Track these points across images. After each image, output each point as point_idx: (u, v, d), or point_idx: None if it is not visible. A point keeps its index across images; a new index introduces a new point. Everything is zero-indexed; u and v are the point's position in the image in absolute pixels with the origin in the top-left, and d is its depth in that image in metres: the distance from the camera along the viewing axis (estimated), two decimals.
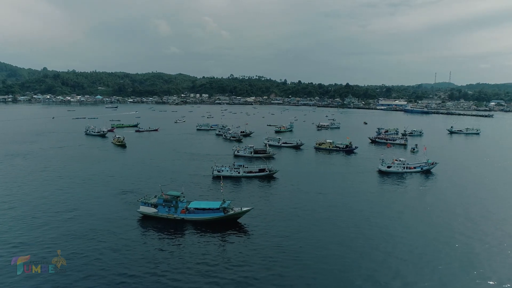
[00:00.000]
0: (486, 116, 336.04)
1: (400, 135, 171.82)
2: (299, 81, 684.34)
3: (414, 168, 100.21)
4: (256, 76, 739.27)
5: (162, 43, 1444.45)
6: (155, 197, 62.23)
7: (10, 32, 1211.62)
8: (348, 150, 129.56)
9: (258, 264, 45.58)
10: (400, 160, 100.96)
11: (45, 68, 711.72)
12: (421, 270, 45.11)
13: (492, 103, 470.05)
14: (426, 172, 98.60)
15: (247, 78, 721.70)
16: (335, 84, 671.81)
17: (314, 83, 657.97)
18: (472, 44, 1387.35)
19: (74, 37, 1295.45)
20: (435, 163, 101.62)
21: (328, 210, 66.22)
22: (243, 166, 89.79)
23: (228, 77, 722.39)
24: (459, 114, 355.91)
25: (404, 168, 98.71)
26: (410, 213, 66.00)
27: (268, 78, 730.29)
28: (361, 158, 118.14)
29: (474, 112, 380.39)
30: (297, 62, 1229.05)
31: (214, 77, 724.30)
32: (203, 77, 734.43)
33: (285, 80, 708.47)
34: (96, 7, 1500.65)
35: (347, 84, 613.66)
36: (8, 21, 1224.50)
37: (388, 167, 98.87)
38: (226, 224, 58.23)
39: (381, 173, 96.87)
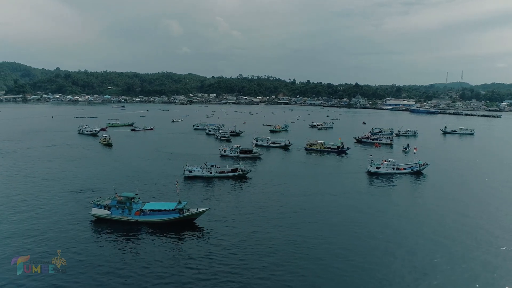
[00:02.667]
0: (493, 116, 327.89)
1: (393, 135, 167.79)
2: (308, 81, 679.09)
3: (404, 169, 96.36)
4: (265, 76, 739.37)
5: (174, 43, 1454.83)
6: (109, 198, 59.81)
7: (25, 32, 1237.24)
8: (340, 151, 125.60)
9: (214, 266, 44.00)
10: (389, 161, 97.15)
11: (57, 68, 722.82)
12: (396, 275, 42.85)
13: (503, 103, 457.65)
14: (417, 173, 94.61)
15: (256, 78, 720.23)
16: (345, 84, 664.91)
17: (323, 83, 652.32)
18: (487, 43, 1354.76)
19: (87, 37, 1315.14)
20: (426, 164, 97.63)
21: (296, 212, 63.36)
22: (215, 166, 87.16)
23: (237, 77, 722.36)
24: (466, 114, 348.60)
25: (393, 169, 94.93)
26: (396, 215, 63.28)
27: (277, 78, 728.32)
28: (352, 159, 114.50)
29: (482, 112, 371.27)
30: (308, 62, 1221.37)
31: (223, 77, 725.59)
32: (212, 77, 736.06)
33: (294, 80, 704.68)
34: (110, 7, 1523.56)
35: (356, 83, 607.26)
36: (24, 21, 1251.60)
37: (377, 168, 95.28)
38: (182, 225, 56.06)
39: (370, 174, 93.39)
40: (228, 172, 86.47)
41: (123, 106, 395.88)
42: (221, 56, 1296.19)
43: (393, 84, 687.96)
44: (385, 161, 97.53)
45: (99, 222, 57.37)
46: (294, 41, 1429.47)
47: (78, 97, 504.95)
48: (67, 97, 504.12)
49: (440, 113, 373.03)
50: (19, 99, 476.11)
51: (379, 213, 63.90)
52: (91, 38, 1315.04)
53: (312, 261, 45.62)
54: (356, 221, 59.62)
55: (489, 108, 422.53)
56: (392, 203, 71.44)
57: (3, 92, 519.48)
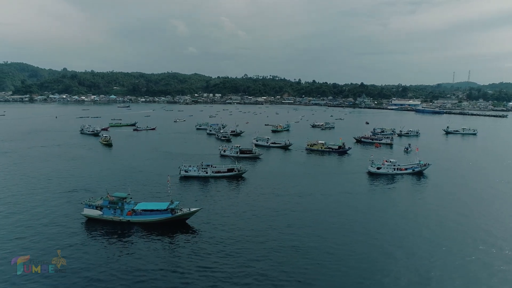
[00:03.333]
0: (500, 116, 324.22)
1: (393, 135, 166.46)
2: (313, 81, 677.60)
3: (405, 169, 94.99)
4: (270, 76, 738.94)
5: (180, 43, 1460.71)
6: (101, 198, 59.39)
7: (33, 33, 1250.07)
8: (341, 151, 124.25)
9: (205, 267, 43.51)
10: (390, 161, 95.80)
11: (65, 69, 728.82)
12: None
13: (511, 103, 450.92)
14: (418, 174, 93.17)
15: (261, 78, 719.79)
16: (351, 83, 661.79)
17: (328, 83, 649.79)
18: (496, 43, 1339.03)
19: (95, 38, 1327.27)
20: (428, 164, 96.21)
21: (293, 212, 62.49)
22: (211, 165, 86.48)
23: (242, 77, 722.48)
24: (472, 114, 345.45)
25: (394, 170, 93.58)
26: (395, 216, 62.45)
27: (282, 78, 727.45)
28: (353, 159, 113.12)
29: (489, 112, 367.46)
30: (314, 62, 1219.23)
31: (228, 77, 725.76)
32: (218, 77, 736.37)
33: (299, 80, 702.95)
34: (117, 9, 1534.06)
35: (362, 83, 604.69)
36: (32, 22, 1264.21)
37: (378, 168, 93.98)
38: (174, 225, 55.59)
39: (371, 174, 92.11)
40: (224, 172, 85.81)
41: (129, 106, 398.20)
42: (227, 56, 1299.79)
43: (399, 84, 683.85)
44: (386, 161, 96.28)
45: (91, 223, 56.87)
46: (300, 41, 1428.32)
47: (84, 97, 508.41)
48: (73, 97, 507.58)
49: (446, 113, 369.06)
50: (26, 99, 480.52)
51: (379, 214, 62.94)
52: (98, 38, 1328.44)
53: (307, 261, 44.96)
54: (355, 222, 58.71)
55: (496, 108, 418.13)
56: (392, 203, 70.40)
57: (10, 92, 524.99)
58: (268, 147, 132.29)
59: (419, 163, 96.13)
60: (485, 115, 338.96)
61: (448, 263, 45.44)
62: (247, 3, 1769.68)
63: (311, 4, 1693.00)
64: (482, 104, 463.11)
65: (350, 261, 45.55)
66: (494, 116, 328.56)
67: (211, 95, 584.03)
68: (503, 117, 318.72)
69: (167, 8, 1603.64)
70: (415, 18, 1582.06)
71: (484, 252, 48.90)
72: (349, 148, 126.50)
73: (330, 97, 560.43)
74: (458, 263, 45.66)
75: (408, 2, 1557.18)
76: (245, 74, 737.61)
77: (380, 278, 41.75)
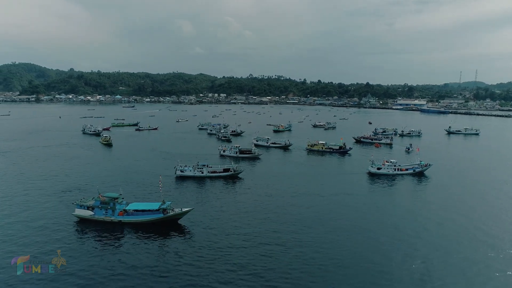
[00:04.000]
0: (506, 116, 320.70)
1: (393, 135, 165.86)
2: (319, 81, 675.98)
3: (406, 170, 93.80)
4: (276, 75, 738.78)
5: (186, 43, 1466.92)
6: (92, 199, 59.05)
7: (40, 33, 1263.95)
8: (342, 151, 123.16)
9: (196, 267, 43.09)
10: (391, 162, 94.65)
11: (71, 69, 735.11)
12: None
13: None
14: (419, 174, 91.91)
15: (266, 77, 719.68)
16: (357, 83, 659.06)
17: (334, 83, 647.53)
18: (504, 42, 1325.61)
19: (102, 38, 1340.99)
20: (429, 164, 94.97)
21: (288, 214, 61.43)
22: (207, 166, 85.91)
23: (247, 77, 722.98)
24: (478, 114, 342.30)
25: (395, 170, 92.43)
26: (395, 217, 61.32)
27: (288, 78, 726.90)
28: (353, 160, 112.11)
29: (495, 112, 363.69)
30: (320, 62, 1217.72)
31: (233, 77, 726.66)
32: (223, 77, 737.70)
33: (305, 80, 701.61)
34: (123, 9, 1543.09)
35: (367, 83, 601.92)
36: (39, 23, 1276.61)
37: (378, 168, 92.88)
38: (166, 225, 55.20)
39: (371, 175, 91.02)
40: (220, 172, 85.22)
41: (133, 106, 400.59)
42: (233, 56, 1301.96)
43: (405, 83, 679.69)
44: (386, 161, 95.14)
45: (83, 223, 56.45)
46: (305, 41, 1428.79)
47: (89, 97, 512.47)
48: (79, 97, 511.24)
49: (451, 113, 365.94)
50: (32, 99, 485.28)
51: (378, 214, 61.97)
52: (105, 39, 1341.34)
53: (302, 262, 44.35)
54: (354, 222, 57.79)
55: (502, 108, 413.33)
56: (392, 204, 69.43)
57: (18, 93, 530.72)
58: (268, 147, 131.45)
59: (420, 163, 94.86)
60: (491, 115, 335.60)
61: (447, 264, 44.62)
62: (253, 3, 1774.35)
63: (316, 4, 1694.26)
64: (489, 104, 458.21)
65: (348, 262, 44.89)
66: (500, 116, 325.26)
67: (216, 95, 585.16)
68: (510, 117, 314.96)
69: (173, 8, 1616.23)
70: (422, 17, 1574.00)
71: (484, 254, 48.02)
72: (350, 148, 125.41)
73: (335, 97, 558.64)
74: (457, 265, 44.83)
75: (415, 1, 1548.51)
76: (250, 74, 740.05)
77: (377, 279, 41.11)
